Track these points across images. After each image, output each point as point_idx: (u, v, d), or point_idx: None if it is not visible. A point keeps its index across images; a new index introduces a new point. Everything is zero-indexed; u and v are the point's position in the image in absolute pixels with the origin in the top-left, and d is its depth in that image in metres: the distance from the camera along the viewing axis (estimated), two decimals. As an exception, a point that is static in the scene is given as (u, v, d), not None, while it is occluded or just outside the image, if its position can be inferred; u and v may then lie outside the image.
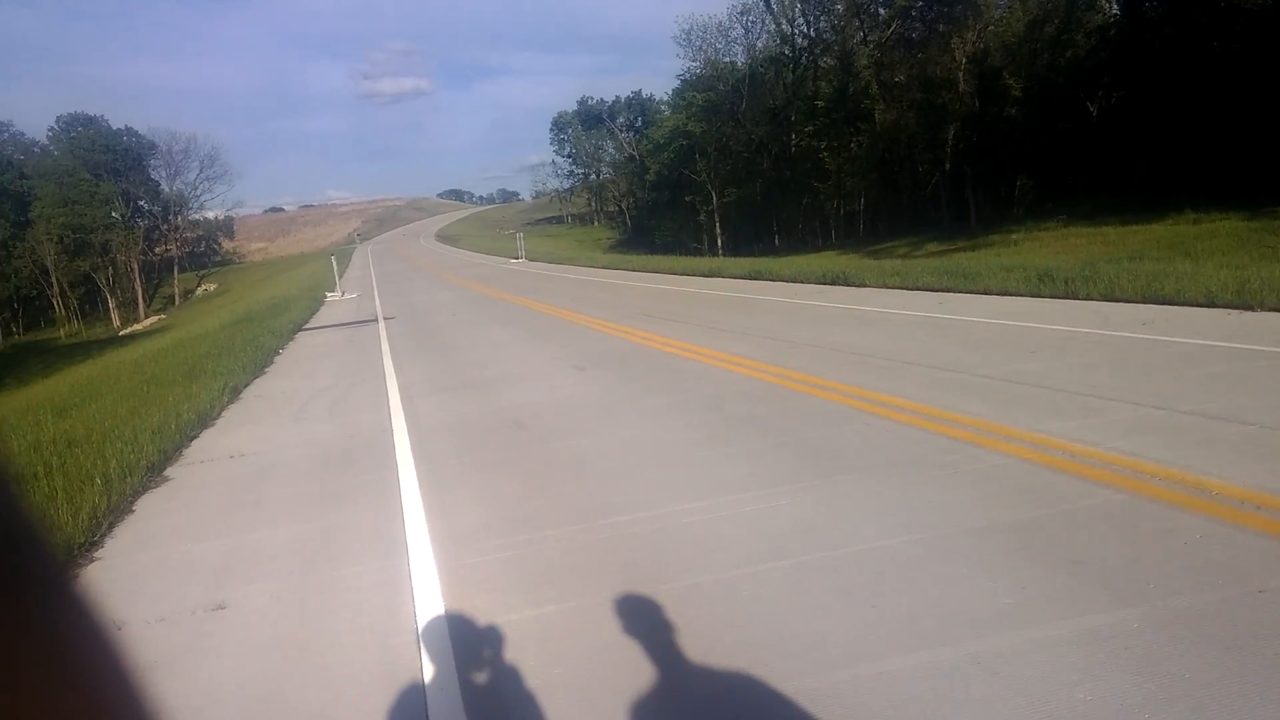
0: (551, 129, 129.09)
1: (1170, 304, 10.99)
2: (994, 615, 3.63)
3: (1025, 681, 3.13)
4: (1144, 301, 11.38)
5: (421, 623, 4.20)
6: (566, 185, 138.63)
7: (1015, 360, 8.68)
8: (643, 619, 3.96)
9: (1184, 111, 37.37)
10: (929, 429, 6.55)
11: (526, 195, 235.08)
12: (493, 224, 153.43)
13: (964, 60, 49.71)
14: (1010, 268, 15.90)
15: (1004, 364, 8.54)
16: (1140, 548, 4.11)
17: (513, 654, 3.79)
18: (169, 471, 8.17)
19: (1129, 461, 5.28)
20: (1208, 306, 10.51)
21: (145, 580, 5.35)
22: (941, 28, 50.06)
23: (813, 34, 62.13)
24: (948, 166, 51.45)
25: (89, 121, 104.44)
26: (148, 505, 7.12)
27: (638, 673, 3.51)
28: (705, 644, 3.66)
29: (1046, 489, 5.00)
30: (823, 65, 61.73)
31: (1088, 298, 12.26)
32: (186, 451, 9.01)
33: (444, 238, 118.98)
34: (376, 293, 34.14)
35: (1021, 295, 13.42)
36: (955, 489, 5.17)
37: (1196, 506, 4.52)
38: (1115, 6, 46.79)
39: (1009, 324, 10.99)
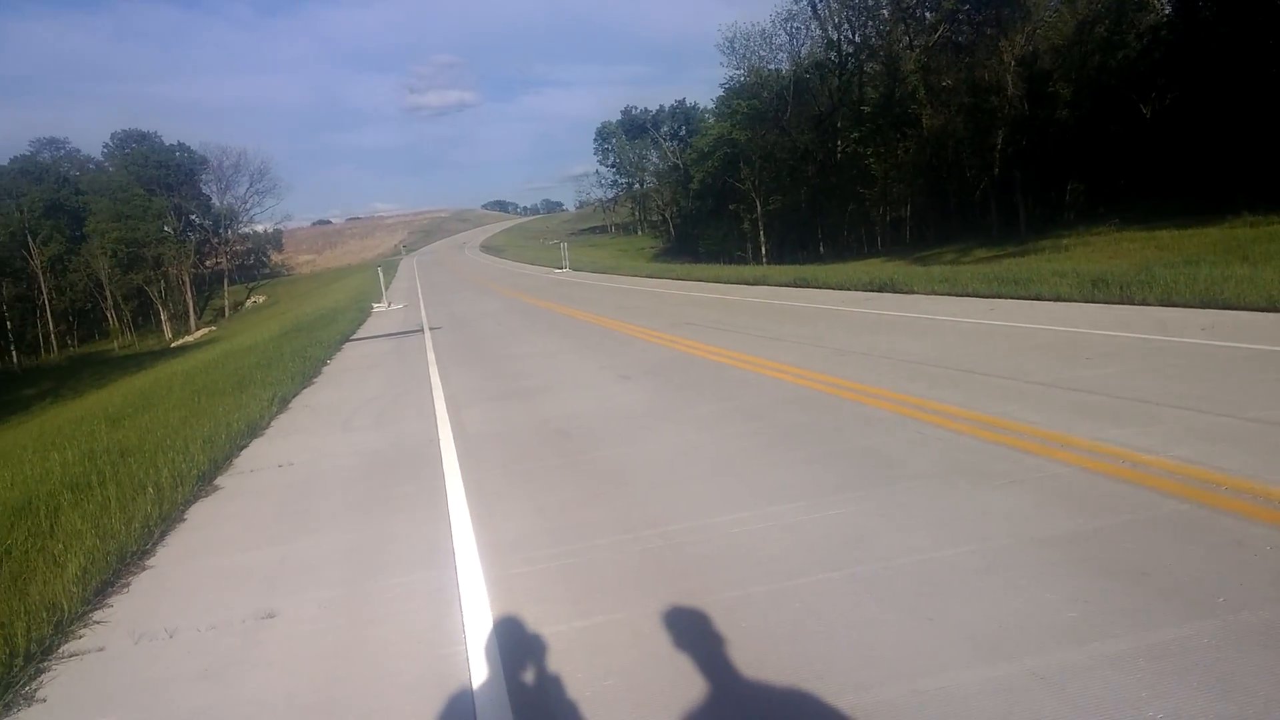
0: (595, 139, 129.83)
1: (1229, 309, 10.71)
2: (1057, 629, 3.52)
3: (1091, 698, 3.02)
4: (1202, 306, 11.10)
5: (470, 633, 4.18)
6: (610, 195, 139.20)
7: (1070, 367, 8.49)
8: (692, 631, 3.90)
9: (1240, 112, 36.59)
10: (983, 437, 6.41)
11: (570, 205, 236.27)
12: (537, 234, 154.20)
13: (1012, 63, 49.07)
14: (1062, 273, 15.61)
15: (1059, 370, 8.36)
16: (1208, 560, 3.97)
17: (561, 665, 3.75)
18: (219, 480, 8.27)
19: (1193, 470, 5.12)
20: (1269, 311, 10.22)
21: (196, 588, 5.40)
22: (989, 31, 49.50)
23: (858, 39, 61.73)
24: (996, 171, 50.82)
25: (142, 138, 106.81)
26: (198, 514, 7.21)
27: (688, 686, 3.45)
28: (756, 657, 3.59)
29: (1107, 499, 4.86)
30: (868, 71, 61.32)
31: (1143, 303, 11.99)
32: (236, 461, 9.11)
33: (488, 248, 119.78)
34: (422, 303, 34.43)
35: (1074, 301, 13.16)
36: (1012, 498, 5.05)
37: (1265, 516, 4.37)
38: (1168, 6, 45.98)
39: (1062, 330, 10.77)
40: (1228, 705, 2.90)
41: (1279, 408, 6.24)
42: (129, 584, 5.63)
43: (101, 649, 4.63)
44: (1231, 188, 34.12)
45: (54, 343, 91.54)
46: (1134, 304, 12.08)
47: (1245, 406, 6.36)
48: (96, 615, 5.12)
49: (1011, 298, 14.49)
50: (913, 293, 17.31)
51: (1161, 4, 47.08)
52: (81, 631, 4.90)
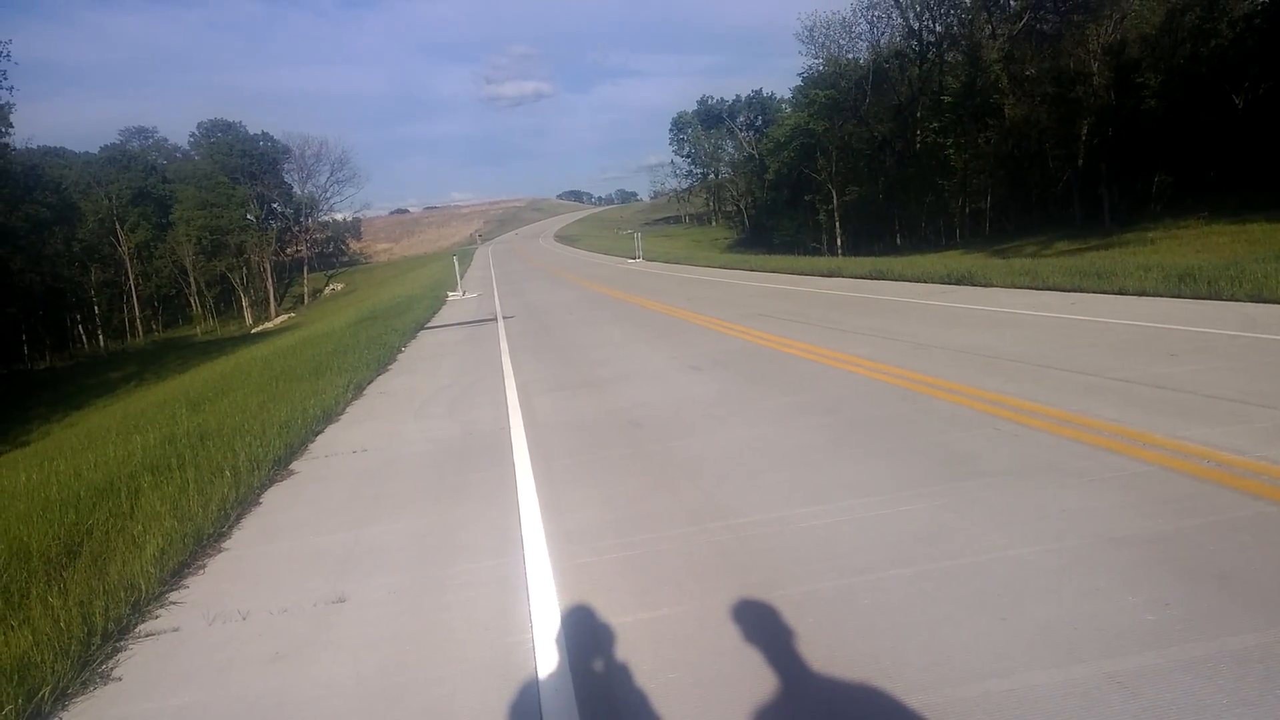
0: (670, 129, 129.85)
1: (1325, 305, 10.32)
2: (1135, 632, 3.43)
3: (1170, 705, 2.95)
4: (1296, 303, 10.70)
5: (536, 621, 4.21)
6: (684, 185, 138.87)
7: (1154, 363, 8.26)
8: (760, 625, 3.89)
9: (1340, 101, 35.13)
10: (1062, 434, 6.27)
11: (644, 195, 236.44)
12: (610, 224, 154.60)
13: (1099, 52, 47.77)
14: (1147, 267, 15.18)
15: (1142, 367, 8.13)
16: (1296, 565, 3.84)
17: (627, 655, 3.77)
18: (294, 465, 8.44)
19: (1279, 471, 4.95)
20: (1368, 308, 9.82)
21: (269, 571, 5.53)
22: (1076, 18, 48.24)
23: (940, 29, 60.73)
24: (1080, 162, 49.59)
25: (227, 127, 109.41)
26: (273, 498, 7.37)
27: (755, 680, 3.44)
28: (825, 653, 3.56)
29: (1190, 499, 4.72)
30: (949, 60, 60.34)
31: (1232, 299, 11.61)
32: (311, 446, 9.29)
33: (563, 238, 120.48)
34: (496, 292, 34.76)
35: (1160, 296, 12.80)
36: (1091, 497, 4.93)
37: (1360, 522, 4.20)
38: (1263, -7, 44.30)
39: (1147, 325, 10.48)
40: (1315, 716, 2.80)
41: (1376, 409, 5.99)
42: (205, 566, 5.77)
43: (177, 629, 4.75)
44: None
45: (139, 327, 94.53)
46: (1222, 300, 11.71)
47: (1340, 407, 6.12)
48: (173, 596, 5.26)
49: (1094, 292, 14.14)
50: (991, 286, 16.99)
51: (1255, -9, 45.37)
52: (158, 612, 5.03)
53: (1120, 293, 13.59)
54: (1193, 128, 46.31)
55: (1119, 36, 48.50)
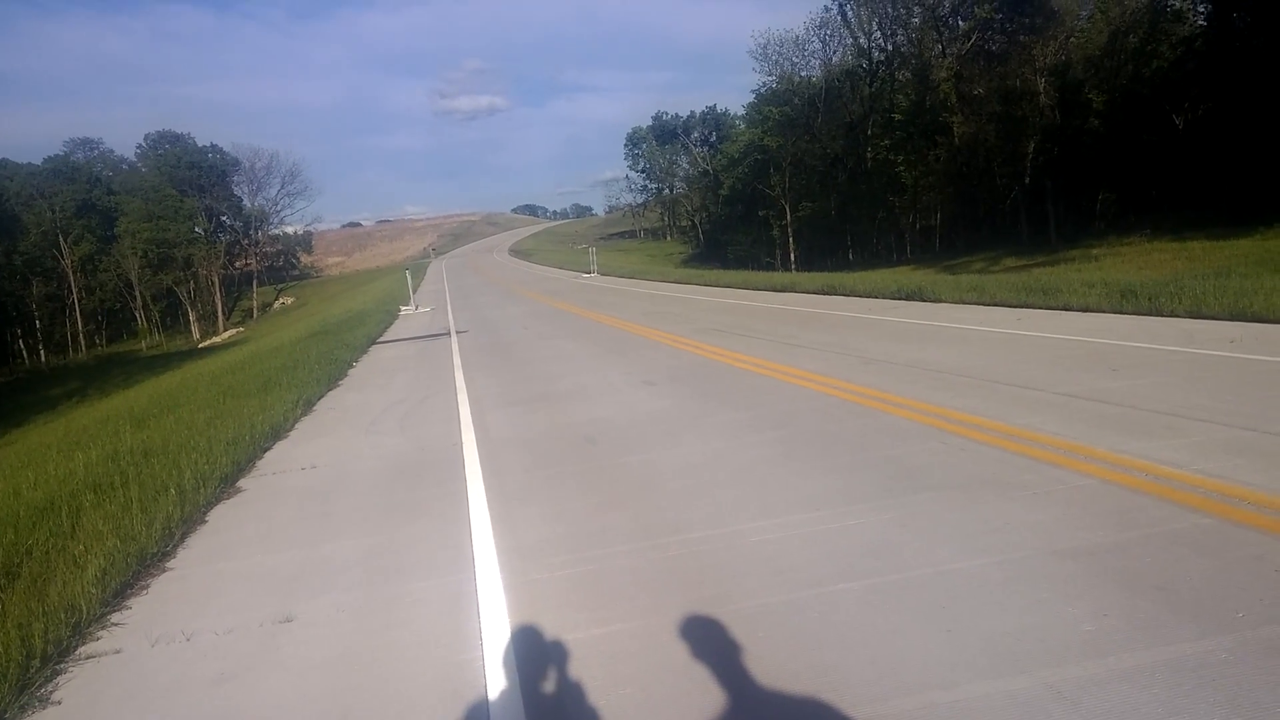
0: (626, 144, 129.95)
1: (1259, 321, 10.62)
2: (1074, 642, 3.51)
3: (1107, 713, 3.02)
4: (1231, 319, 11.00)
5: (487, 639, 4.21)
6: (640, 200, 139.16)
7: (1096, 378, 8.44)
8: (710, 640, 3.92)
9: (1274, 123, 36.17)
10: (1007, 448, 6.39)
11: (599, 210, 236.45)
12: (565, 239, 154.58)
13: (1045, 72, 48.78)
14: (1091, 283, 15.51)
15: (1085, 382, 8.31)
16: (1228, 574, 3.95)
17: (579, 673, 3.77)
18: (242, 483, 8.33)
19: (1216, 484, 5.09)
20: (1300, 324, 10.12)
21: (215, 591, 5.45)
22: (1023, 38, 49.23)
23: (890, 47, 61.67)
24: (1027, 180, 50.54)
25: (176, 139, 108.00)
26: (220, 516, 7.27)
27: (705, 695, 3.47)
28: (774, 667, 3.60)
29: (1129, 512, 4.84)
30: (900, 78, 61.23)
31: (1172, 314, 11.91)
32: (259, 463, 9.19)
33: (517, 252, 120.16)
34: (450, 306, 34.60)
35: (1103, 312, 13.08)
36: (1034, 510, 5.03)
37: (1290, 533, 4.34)
38: (1201, 17, 45.54)
39: (1090, 341, 10.70)
40: (1245, 723, 2.89)
41: (1307, 423, 6.18)
42: (148, 586, 5.68)
43: (118, 651, 4.67)
44: (1264, 199, 33.79)
45: (82, 342, 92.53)
46: (1163, 315, 12.00)
47: (1270, 421, 6.31)
48: (115, 617, 5.16)
49: (1040, 307, 14.42)
50: (941, 301, 17.25)
51: (1195, 15, 46.61)
52: (99, 633, 4.93)
53: (1065, 308, 13.87)
54: (1135, 147, 47.43)
55: (1064, 57, 49.60)
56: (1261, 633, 3.42)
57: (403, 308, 34.67)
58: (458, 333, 22.46)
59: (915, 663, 3.51)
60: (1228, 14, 40.29)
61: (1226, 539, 4.34)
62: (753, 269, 56.31)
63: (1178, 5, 46.36)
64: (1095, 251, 34.89)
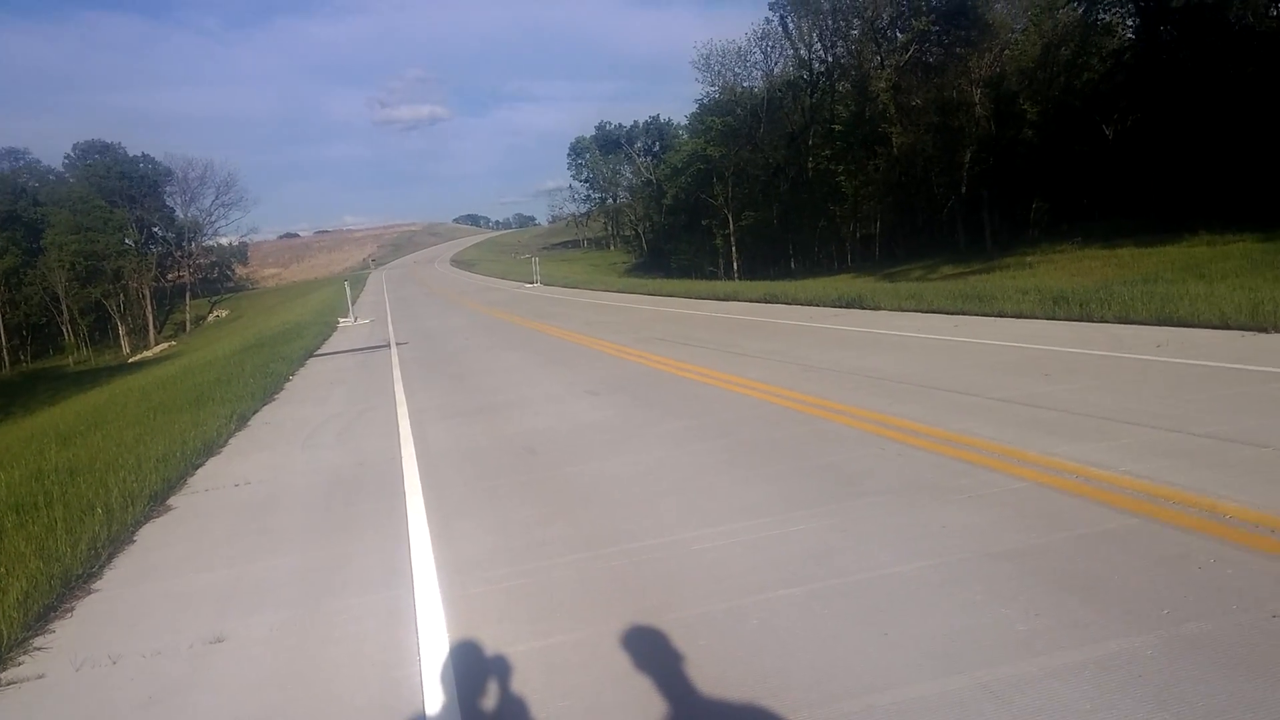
0: (569, 154, 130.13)
1: (1185, 326, 10.92)
2: (1007, 642, 3.58)
3: (1038, 711, 3.08)
4: (1158, 324, 11.31)
5: (426, 654, 4.17)
6: (583, 210, 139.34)
7: (1030, 383, 8.62)
8: (652, 649, 3.92)
9: (1199, 134, 37.33)
10: (943, 453, 6.50)
11: (543, 220, 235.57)
12: (508, 249, 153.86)
13: (980, 83, 49.76)
14: (1025, 290, 15.83)
15: (1019, 387, 8.48)
16: (1154, 573, 4.06)
17: (519, 686, 3.75)
18: (172, 500, 8.16)
19: (1142, 485, 5.22)
20: (1222, 329, 10.44)
21: (143, 612, 5.33)
22: (959, 51, 50.17)
23: (830, 59, 62.45)
24: (964, 189, 51.46)
25: (105, 149, 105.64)
26: (149, 535, 7.11)
27: (647, 705, 3.47)
28: (716, 674, 3.62)
29: (1060, 514, 4.95)
30: (840, 89, 62.02)
31: (1102, 320, 12.20)
32: (191, 480, 9.01)
33: (459, 263, 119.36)
34: (390, 318, 34.29)
35: (1037, 318, 13.36)
36: (969, 514, 5.12)
37: (1210, 530, 4.46)
38: (1130, 31, 46.80)
39: (1024, 346, 10.93)
40: (1170, 715, 2.96)
41: (1226, 424, 6.37)
42: (73, 609, 5.53)
43: (41, 676, 4.54)
44: (1191, 207, 34.81)
45: (6, 358, 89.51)
46: (1093, 321, 12.29)
47: (1195, 422, 6.49)
48: (37, 641, 5.01)
49: (976, 314, 14.68)
50: (880, 309, 17.48)
51: (1124, 29, 47.89)
52: (21, 659, 4.79)
53: (1000, 315, 14.14)
54: (1067, 157, 48.59)
55: (999, 69, 50.65)
56: (1186, 629, 3.51)
57: (341, 320, 34.29)
58: (398, 344, 22.25)
59: (855, 666, 3.55)
60: (1155, 28, 41.47)
61: (1153, 538, 4.46)
62: (696, 278, 56.67)
63: (1107, 19, 47.52)
64: (1029, 259, 35.62)
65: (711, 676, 3.61)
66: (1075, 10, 46.80)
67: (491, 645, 4.16)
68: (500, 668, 3.93)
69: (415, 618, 4.61)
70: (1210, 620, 3.56)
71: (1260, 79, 35.91)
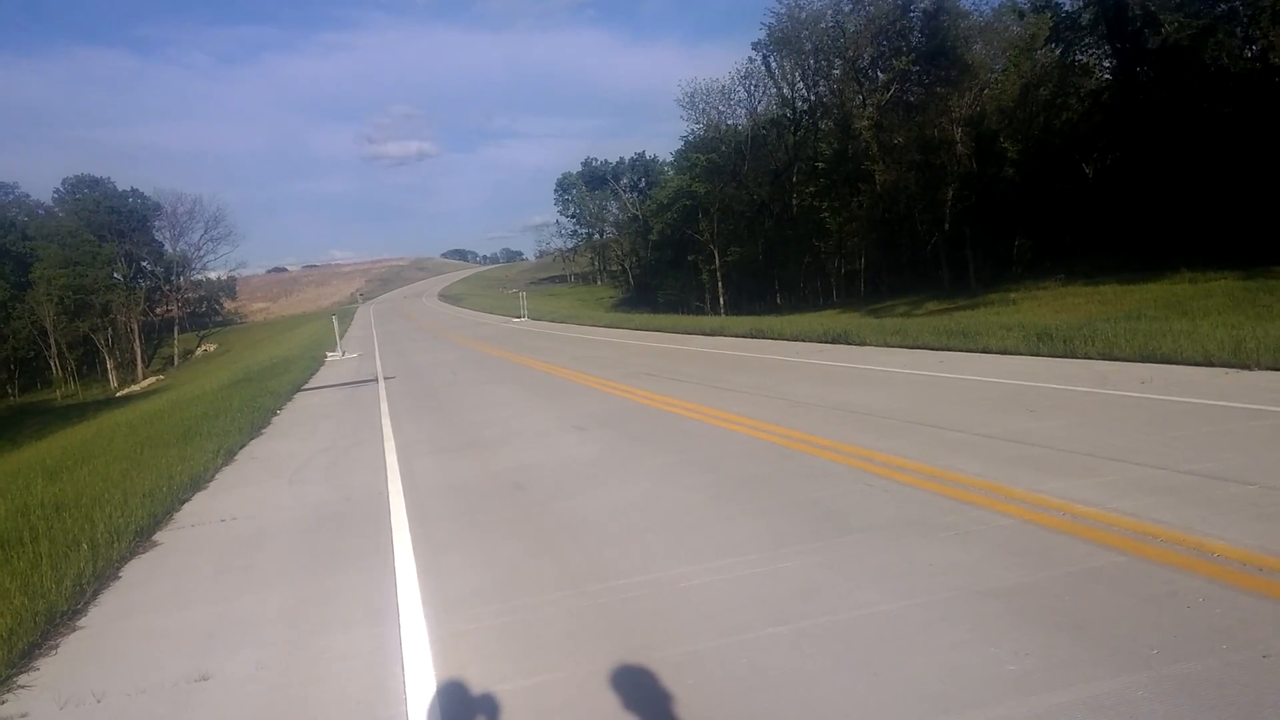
0: (556, 189, 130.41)
1: (1168, 363, 10.99)
2: (997, 682, 3.56)
3: (1029, 752, 3.07)
4: (1142, 360, 11.38)
5: (411, 693, 4.12)
6: (570, 245, 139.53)
7: (1015, 419, 8.65)
8: (639, 688, 3.89)
9: (1178, 172, 37.75)
10: (930, 489, 6.50)
11: (530, 255, 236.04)
12: (496, 283, 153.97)
13: (961, 122, 50.30)
14: (1009, 326, 15.92)
15: (1004, 423, 8.51)
16: (1143, 611, 4.06)
17: (505, 724, 3.71)
18: (158, 536, 8.09)
19: (1129, 522, 5.23)
20: (1205, 365, 10.51)
21: (128, 650, 5.27)
22: (939, 90, 50.71)
23: (812, 97, 63.01)
24: (947, 226, 51.76)
25: (95, 184, 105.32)
26: (135, 571, 7.05)
27: (634, 743, 3.44)
28: (704, 715, 3.59)
29: (1047, 551, 4.95)
30: (823, 127, 62.51)
31: (1086, 356, 12.27)
32: (177, 515, 8.94)
33: (447, 297, 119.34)
34: (377, 352, 34.19)
35: (1021, 354, 13.43)
36: (957, 551, 5.12)
37: (1198, 568, 4.47)
38: (1108, 72, 47.44)
39: (1008, 383, 10.98)
40: (1160, 757, 2.96)
41: (1211, 461, 6.40)
42: (57, 646, 5.46)
43: (24, 716, 4.47)
44: (1172, 245, 35.11)
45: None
46: (1077, 357, 12.35)
47: (1179, 460, 6.52)
48: (21, 679, 4.95)
49: (961, 350, 14.74)
50: (865, 345, 17.53)
51: (1102, 69, 48.55)
52: (4, 697, 4.72)
53: (985, 351, 14.21)
54: (1048, 195, 49.09)
55: (979, 108, 51.12)
56: (1175, 669, 3.50)
57: (329, 354, 34.17)
58: (385, 379, 22.19)
59: (844, 706, 3.53)
60: (1132, 69, 41.98)
61: (1141, 576, 4.46)
62: (683, 313, 56.77)
63: (1085, 60, 48.17)
64: (1013, 295, 35.84)
65: (700, 717, 3.58)
66: (1053, 51, 47.38)
67: (478, 684, 4.12)
68: (487, 707, 3.88)
69: (401, 656, 4.56)
70: (1201, 660, 3.55)
71: (1237, 119, 36.44)
